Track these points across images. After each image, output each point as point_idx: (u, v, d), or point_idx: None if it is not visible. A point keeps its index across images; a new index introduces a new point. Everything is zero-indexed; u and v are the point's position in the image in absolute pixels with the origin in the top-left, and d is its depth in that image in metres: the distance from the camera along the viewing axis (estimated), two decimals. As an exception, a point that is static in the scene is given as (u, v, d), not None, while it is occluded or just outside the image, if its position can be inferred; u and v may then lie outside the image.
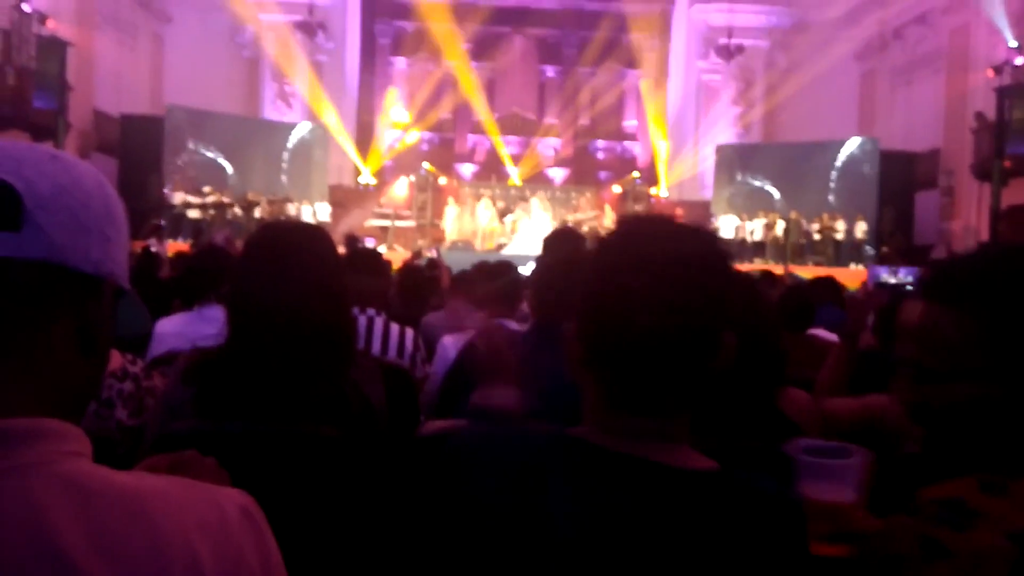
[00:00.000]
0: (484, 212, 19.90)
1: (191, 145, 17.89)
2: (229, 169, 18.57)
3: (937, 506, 0.92)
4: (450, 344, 2.96)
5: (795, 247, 18.10)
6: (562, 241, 2.47)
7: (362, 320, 2.90)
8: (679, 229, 1.01)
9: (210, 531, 0.70)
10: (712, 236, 1.03)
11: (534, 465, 0.96)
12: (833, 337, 3.48)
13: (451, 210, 19.87)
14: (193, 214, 16.84)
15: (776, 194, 19.37)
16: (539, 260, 2.37)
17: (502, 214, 19.84)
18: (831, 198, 18.57)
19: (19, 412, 0.68)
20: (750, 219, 18.90)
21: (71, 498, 0.66)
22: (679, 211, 19.97)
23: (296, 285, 1.59)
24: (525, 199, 20.17)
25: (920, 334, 1.03)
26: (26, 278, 0.70)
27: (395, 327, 3.01)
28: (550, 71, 24.37)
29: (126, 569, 0.65)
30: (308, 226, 1.84)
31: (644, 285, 0.94)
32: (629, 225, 1.04)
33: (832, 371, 2.44)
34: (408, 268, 5.53)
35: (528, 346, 2.12)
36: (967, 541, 0.88)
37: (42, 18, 14.07)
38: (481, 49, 23.44)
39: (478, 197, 20.38)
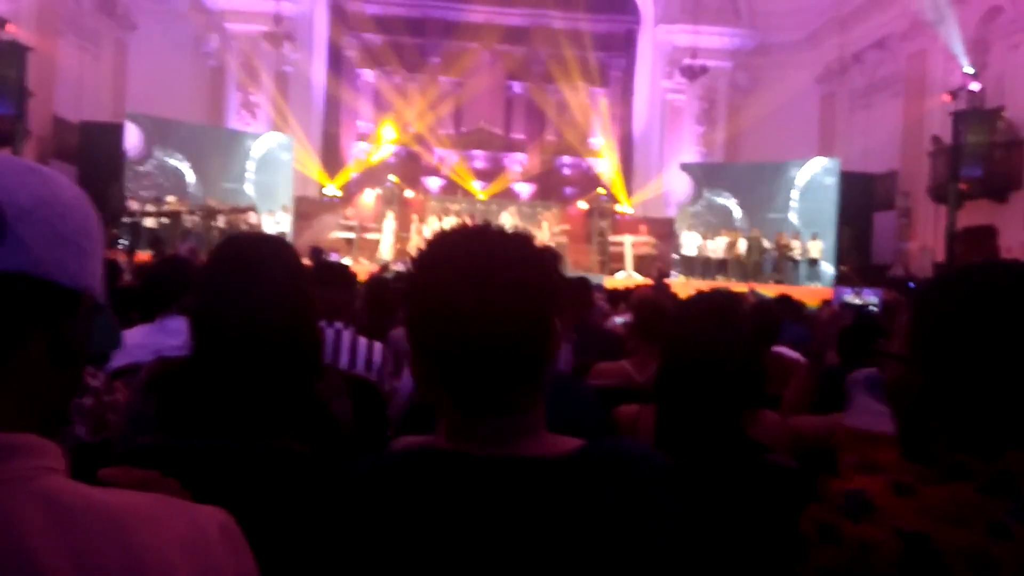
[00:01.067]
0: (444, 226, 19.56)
1: (153, 153, 17.66)
2: (191, 178, 18.34)
3: (841, 496, 0.96)
4: (418, 358, 2.93)
5: (755, 265, 18.36)
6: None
7: (329, 333, 2.88)
8: (493, 234, 1.02)
9: (188, 548, 0.69)
10: (525, 234, 1.04)
11: (408, 487, 0.96)
12: (796, 355, 3.53)
13: (388, 224, 19.22)
14: (151, 223, 16.58)
15: (738, 212, 19.64)
16: None
17: None
18: (792, 217, 18.88)
19: None
20: (712, 237, 19.14)
21: (48, 514, 0.65)
22: (643, 228, 20.16)
23: (261, 297, 1.56)
24: (491, 213, 20.16)
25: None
26: (4, 290, 0.69)
27: (363, 340, 2.99)
28: (517, 87, 24.51)
29: None
30: (272, 237, 1.81)
31: (470, 295, 0.95)
32: (445, 236, 1.04)
33: (798, 389, 2.47)
34: (375, 281, 5.49)
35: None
36: (858, 530, 0.92)
37: (2, 23, 13.83)
38: (449, 64, 23.50)
39: (444, 211, 20.33)
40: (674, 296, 6.61)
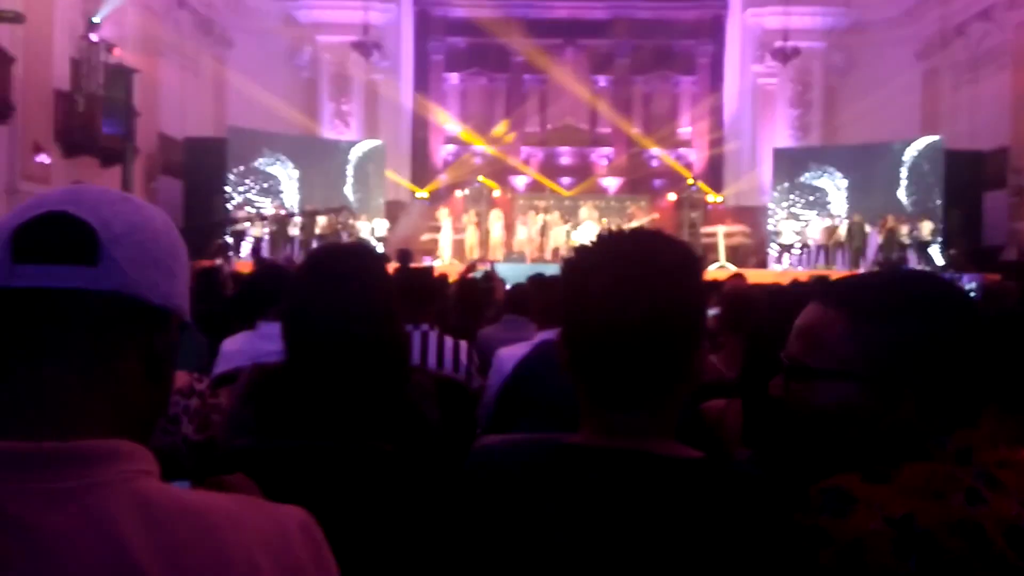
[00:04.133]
0: (526, 225, 19.48)
1: (253, 165, 18.38)
2: (291, 188, 19.02)
3: (820, 495, 0.94)
4: (506, 357, 2.98)
5: (858, 251, 17.71)
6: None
7: (416, 335, 2.95)
8: (651, 239, 1.05)
9: (271, 547, 0.74)
10: (683, 246, 1.07)
11: (537, 474, 1.00)
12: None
13: (471, 224, 19.23)
14: (255, 231, 17.24)
15: (838, 197, 18.99)
16: None
17: (545, 225, 19.50)
18: (902, 197, 18.13)
19: (96, 434, 0.74)
20: (809, 223, 18.57)
21: (142, 514, 0.70)
22: (728, 220, 19.72)
23: (346, 304, 1.63)
24: (578, 209, 20.07)
25: (808, 334, 1.07)
26: (102, 309, 0.76)
27: (449, 340, 3.05)
28: (602, 81, 24.34)
29: None
30: (358, 247, 1.90)
31: (608, 287, 0.98)
32: (603, 235, 1.08)
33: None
34: (464, 281, 5.59)
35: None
36: (846, 527, 0.90)
37: (109, 47, 14.59)
38: (533, 62, 23.54)
39: (532, 208, 20.34)
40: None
